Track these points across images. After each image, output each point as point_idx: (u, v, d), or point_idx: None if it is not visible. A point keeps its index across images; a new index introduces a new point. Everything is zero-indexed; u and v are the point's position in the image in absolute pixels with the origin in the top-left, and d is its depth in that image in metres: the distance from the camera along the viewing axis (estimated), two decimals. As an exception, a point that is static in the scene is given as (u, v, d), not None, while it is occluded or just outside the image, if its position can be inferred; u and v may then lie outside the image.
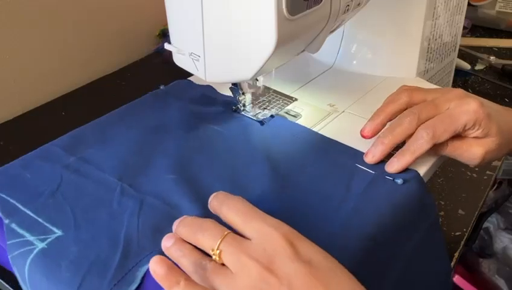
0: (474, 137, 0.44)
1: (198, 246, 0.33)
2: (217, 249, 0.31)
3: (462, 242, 0.55)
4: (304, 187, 0.42)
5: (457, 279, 0.80)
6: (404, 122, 0.43)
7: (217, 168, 0.44)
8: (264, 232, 0.31)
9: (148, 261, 0.33)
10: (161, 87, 0.55)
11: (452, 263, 0.53)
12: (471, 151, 0.44)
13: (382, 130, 0.45)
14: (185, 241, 0.33)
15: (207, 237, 0.32)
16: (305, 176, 0.43)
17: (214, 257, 0.31)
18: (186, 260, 0.32)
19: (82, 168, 0.43)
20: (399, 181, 0.42)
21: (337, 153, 0.46)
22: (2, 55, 0.69)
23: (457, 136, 0.44)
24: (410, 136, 0.43)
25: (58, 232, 0.37)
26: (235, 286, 0.29)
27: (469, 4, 0.89)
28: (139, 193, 0.40)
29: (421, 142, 0.42)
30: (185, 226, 0.34)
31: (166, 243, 0.33)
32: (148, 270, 0.33)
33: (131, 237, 0.36)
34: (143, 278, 0.33)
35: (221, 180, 0.42)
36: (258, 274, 0.29)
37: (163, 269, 0.31)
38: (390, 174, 0.43)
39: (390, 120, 0.45)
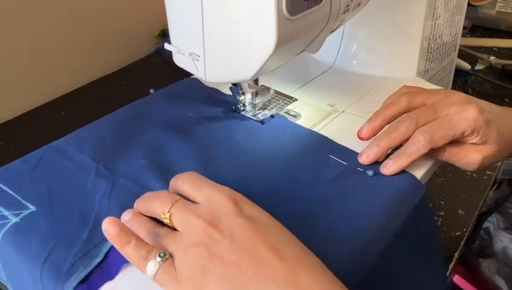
0: (472, 143, 0.43)
1: (152, 215, 0.34)
2: (168, 212, 0.33)
3: (462, 242, 0.55)
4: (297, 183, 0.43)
5: (457, 279, 0.80)
6: (402, 127, 0.43)
7: (206, 159, 0.44)
8: (211, 194, 0.33)
9: None
10: (151, 91, 0.55)
11: (452, 263, 0.53)
12: (469, 158, 0.44)
13: (379, 133, 0.45)
14: (142, 214, 0.35)
15: (159, 204, 0.34)
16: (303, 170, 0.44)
17: (165, 221, 0.33)
18: (141, 230, 0.34)
19: (63, 148, 0.45)
20: (369, 173, 0.43)
21: (332, 153, 0.46)
22: (2, 55, 0.69)
23: (455, 141, 0.44)
24: (407, 140, 0.43)
25: (32, 208, 0.39)
26: (182, 243, 0.31)
27: (469, 4, 0.89)
28: (112, 175, 0.42)
29: (417, 147, 0.42)
30: (142, 199, 0.36)
31: (125, 217, 0.35)
32: (113, 246, 0.34)
33: (100, 216, 0.37)
34: (108, 253, 0.35)
35: (202, 167, 0.43)
36: (202, 230, 0.31)
37: (115, 229, 0.33)
38: (361, 166, 0.44)
39: (388, 123, 0.45)
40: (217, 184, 0.35)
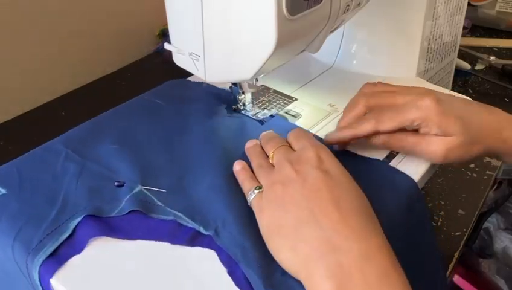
0: (433, 135, 0.43)
1: (266, 151, 0.43)
2: (272, 153, 0.41)
3: (462, 242, 0.55)
4: None
5: (457, 279, 0.80)
6: (355, 107, 0.46)
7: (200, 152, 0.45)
8: (305, 146, 0.40)
9: (81, 215, 0.38)
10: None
11: (452, 263, 0.53)
12: (431, 149, 0.43)
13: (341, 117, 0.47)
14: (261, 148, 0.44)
15: (270, 144, 0.42)
16: None
17: (270, 157, 0.41)
18: (255, 158, 0.42)
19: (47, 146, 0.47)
20: None
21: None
22: (2, 55, 0.69)
23: (417, 132, 0.43)
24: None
25: (3, 191, 0.41)
26: (269, 177, 0.39)
27: (469, 4, 0.88)
28: (82, 158, 0.44)
29: (363, 123, 0.44)
30: (264, 136, 0.45)
31: (249, 144, 0.44)
32: (80, 223, 0.38)
33: (68, 196, 0.40)
34: (75, 229, 0.37)
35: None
36: (286, 171, 0.38)
37: (240, 166, 0.42)
38: (357, 167, 0.43)
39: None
40: (314, 139, 0.42)
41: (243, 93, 0.51)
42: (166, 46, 0.47)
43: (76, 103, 0.76)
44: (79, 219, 0.38)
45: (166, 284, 0.34)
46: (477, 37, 0.99)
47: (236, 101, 0.52)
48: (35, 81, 0.74)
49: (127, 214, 0.39)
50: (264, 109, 0.53)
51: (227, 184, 0.41)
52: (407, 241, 0.41)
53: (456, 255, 0.54)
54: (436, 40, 0.61)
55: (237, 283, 0.34)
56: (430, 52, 0.61)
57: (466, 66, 0.85)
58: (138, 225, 0.38)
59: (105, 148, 0.45)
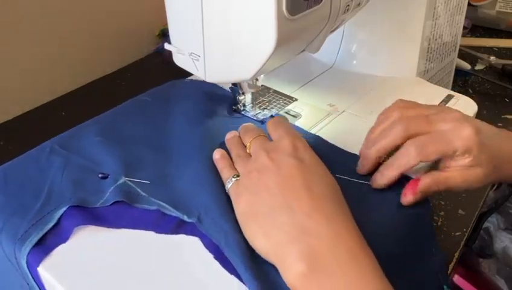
0: (461, 165, 0.41)
1: (243, 141, 0.44)
2: (249, 143, 0.43)
3: (462, 242, 0.55)
4: None
5: (457, 279, 0.80)
6: (391, 134, 0.42)
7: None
8: (281, 135, 0.41)
9: (65, 206, 0.39)
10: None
11: (452, 263, 0.53)
12: (457, 183, 0.41)
13: (367, 140, 0.44)
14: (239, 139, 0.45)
15: (248, 135, 0.44)
16: None
17: (247, 147, 0.43)
18: (234, 148, 0.44)
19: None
20: None
21: (333, 156, 0.46)
22: (2, 55, 0.69)
23: (444, 160, 0.42)
24: (397, 147, 0.42)
25: None
26: (246, 167, 0.40)
27: (469, 4, 0.88)
28: (67, 152, 0.45)
29: (407, 159, 0.41)
30: (242, 128, 0.46)
31: (228, 135, 0.46)
32: (64, 213, 0.39)
33: (53, 189, 0.41)
34: (60, 219, 0.38)
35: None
36: (262, 159, 0.39)
37: (219, 154, 0.43)
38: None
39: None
40: (292, 128, 0.43)
41: (243, 93, 0.51)
42: (166, 46, 0.47)
43: (76, 103, 0.76)
44: (64, 209, 0.39)
45: (151, 271, 0.35)
46: (477, 37, 0.99)
47: (236, 102, 0.52)
48: (35, 81, 0.74)
49: (111, 204, 0.40)
50: (264, 109, 0.53)
51: (212, 175, 0.42)
52: (408, 238, 0.41)
53: (456, 255, 0.54)
54: (436, 40, 0.61)
55: (225, 267, 0.35)
56: (430, 52, 0.61)
57: (466, 66, 0.85)
58: (123, 214, 0.39)
59: (89, 141, 0.46)
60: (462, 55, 0.85)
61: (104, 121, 0.50)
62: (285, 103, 0.55)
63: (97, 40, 0.81)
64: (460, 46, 0.72)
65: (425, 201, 0.42)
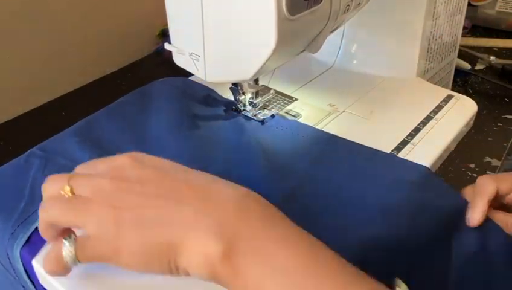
0: None
1: (47, 197, 0.32)
2: (67, 186, 0.31)
3: (462, 242, 0.55)
4: (312, 178, 0.43)
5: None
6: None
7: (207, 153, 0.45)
8: (110, 161, 0.32)
9: None
10: None
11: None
12: None
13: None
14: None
15: (51, 184, 0.32)
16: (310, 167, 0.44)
17: (66, 196, 0.31)
18: (43, 214, 0.31)
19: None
20: None
21: (343, 149, 0.46)
22: (2, 55, 0.69)
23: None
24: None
25: None
26: (93, 209, 0.29)
27: (469, 4, 0.89)
28: (46, 153, 0.45)
29: (485, 187, 0.41)
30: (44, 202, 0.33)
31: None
32: None
33: (35, 189, 0.41)
34: None
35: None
36: (111, 186, 0.30)
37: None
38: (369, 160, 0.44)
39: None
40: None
41: (243, 93, 0.51)
42: (166, 46, 0.47)
43: (76, 103, 0.76)
44: None
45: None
46: (477, 37, 0.99)
47: (236, 102, 0.52)
48: (35, 81, 0.74)
49: None
50: (264, 109, 0.53)
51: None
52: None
53: (456, 255, 0.54)
54: (436, 40, 0.61)
55: None
56: (430, 52, 0.61)
57: (466, 66, 0.85)
58: None
59: (68, 142, 0.46)
60: (462, 55, 0.85)
61: (83, 122, 0.50)
62: (285, 103, 0.55)
63: (97, 40, 0.81)
64: (460, 46, 0.72)
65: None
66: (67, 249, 0.29)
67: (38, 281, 0.36)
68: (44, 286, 0.36)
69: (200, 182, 0.31)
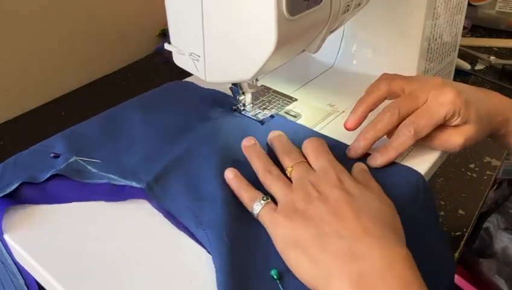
0: (454, 125, 0.44)
1: (281, 162, 0.43)
2: (291, 167, 0.41)
3: (462, 242, 0.55)
4: None
5: (457, 279, 0.80)
6: (385, 118, 0.44)
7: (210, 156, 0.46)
8: (325, 167, 0.40)
9: (17, 183, 0.41)
10: None
11: (452, 263, 0.53)
12: (452, 141, 0.45)
13: (364, 127, 0.46)
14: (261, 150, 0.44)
15: (289, 157, 0.42)
16: None
17: (287, 170, 0.41)
18: (257, 159, 0.43)
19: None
20: None
21: (338, 152, 0.46)
22: (2, 55, 0.69)
23: (437, 127, 0.45)
24: (391, 130, 0.45)
25: None
26: (290, 194, 0.38)
27: (469, 4, 0.89)
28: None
29: (404, 139, 0.43)
30: (279, 143, 0.45)
31: (246, 142, 0.45)
32: (17, 189, 0.41)
33: (6, 171, 0.43)
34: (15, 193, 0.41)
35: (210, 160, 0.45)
36: (308, 190, 0.38)
37: (232, 174, 0.41)
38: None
39: (371, 110, 0.47)
40: (332, 157, 0.42)
41: (243, 93, 0.51)
42: (166, 46, 0.46)
43: (77, 103, 0.76)
44: (16, 185, 0.41)
45: (105, 234, 0.39)
46: (477, 37, 0.99)
47: (236, 102, 0.52)
48: (36, 81, 0.74)
49: (62, 181, 0.42)
50: (264, 109, 0.53)
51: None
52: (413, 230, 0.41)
53: (456, 255, 0.54)
54: (436, 40, 0.61)
55: (175, 225, 0.39)
56: (430, 52, 0.61)
57: (466, 66, 0.85)
58: (73, 188, 0.42)
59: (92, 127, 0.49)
60: (462, 55, 0.85)
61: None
62: (285, 103, 0.55)
63: (97, 40, 0.81)
64: (460, 46, 0.72)
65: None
66: (259, 204, 0.38)
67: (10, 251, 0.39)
68: (21, 262, 0.39)
69: (370, 219, 0.35)
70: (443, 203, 0.60)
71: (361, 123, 0.46)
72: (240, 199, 0.40)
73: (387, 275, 0.31)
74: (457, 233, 0.56)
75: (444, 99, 0.43)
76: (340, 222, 0.35)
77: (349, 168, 0.43)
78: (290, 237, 0.35)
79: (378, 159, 0.44)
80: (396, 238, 0.35)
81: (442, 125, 0.44)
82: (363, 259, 0.32)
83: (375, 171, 0.43)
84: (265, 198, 0.39)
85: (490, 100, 0.47)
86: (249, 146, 0.44)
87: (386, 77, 0.48)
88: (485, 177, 0.64)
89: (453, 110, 0.43)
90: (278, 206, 0.38)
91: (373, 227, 0.34)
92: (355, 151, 0.45)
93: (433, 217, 0.44)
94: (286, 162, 0.42)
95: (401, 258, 0.33)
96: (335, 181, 0.39)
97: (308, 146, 0.43)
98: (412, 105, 0.44)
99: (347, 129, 0.46)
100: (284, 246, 0.36)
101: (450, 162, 0.65)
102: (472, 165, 0.66)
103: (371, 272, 0.31)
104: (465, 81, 0.84)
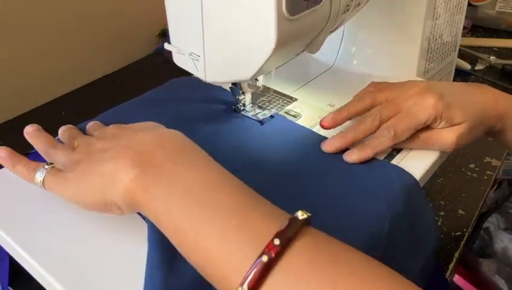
0: (442, 128, 0.45)
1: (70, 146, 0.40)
2: (77, 142, 0.39)
3: (462, 242, 0.55)
4: (306, 177, 0.44)
5: (457, 279, 0.80)
6: (367, 122, 0.46)
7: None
8: (103, 129, 0.42)
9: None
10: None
11: (452, 263, 0.53)
12: (443, 140, 0.45)
13: (346, 127, 0.47)
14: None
15: (72, 141, 0.40)
16: (307, 170, 0.45)
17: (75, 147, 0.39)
18: (40, 141, 0.41)
19: None
20: None
21: (337, 155, 0.46)
22: (2, 55, 0.69)
23: (426, 128, 0.45)
24: (371, 134, 0.46)
25: None
26: (73, 153, 0.37)
27: (469, 4, 0.88)
28: None
29: (382, 140, 0.44)
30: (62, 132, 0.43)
31: (28, 128, 0.43)
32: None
33: None
34: None
35: None
36: (90, 141, 0.38)
37: (5, 152, 0.39)
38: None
39: (351, 118, 0.48)
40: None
41: (243, 93, 0.51)
42: (166, 46, 0.46)
43: (76, 103, 0.76)
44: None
45: (105, 234, 0.38)
46: (477, 37, 0.99)
47: (236, 102, 0.52)
48: (35, 81, 0.74)
49: None
50: (264, 109, 0.53)
51: None
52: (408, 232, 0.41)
53: (456, 255, 0.54)
54: (436, 40, 0.61)
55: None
56: (430, 52, 0.61)
57: (466, 66, 0.85)
58: None
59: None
60: (462, 55, 0.85)
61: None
62: (285, 103, 0.55)
63: (97, 40, 0.81)
64: (460, 46, 0.73)
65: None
66: (41, 171, 0.37)
67: None
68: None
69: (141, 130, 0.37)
70: (443, 203, 0.60)
71: (337, 125, 0.47)
72: (17, 174, 0.38)
73: (162, 141, 0.34)
74: (457, 233, 0.56)
75: (425, 104, 0.44)
76: (116, 139, 0.36)
77: (335, 165, 0.44)
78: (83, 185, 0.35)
79: (354, 155, 0.45)
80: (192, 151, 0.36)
81: (432, 128, 0.46)
82: (135, 142, 0.34)
83: (367, 172, 0.44)
84: (49, 163, 0.37)
85: (483, 96, 0.48)
86: (30, 131, 0.42)
87: (372, 89, 0.49)
88: (485, 177, 0.64)
89: (435, 115, 0.44)
90: (63, 167, 0.37)
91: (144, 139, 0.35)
92: (330, 145, 0.46)
93: (430, 217, 0.44)
94: (72, 144, 0.41)
95: (173, 133, 0.35)
96: (114, 131, 0.40)
97: (89, 129, 0.44)
98: (393, 110, 0.46)
99: (322, 126, 0.48)
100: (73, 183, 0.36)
101: (450, 162, 0.65)
102: (472, 165, 0.66)
103: (146, 146, 0.33)
104: (465, 81, 0.84)
